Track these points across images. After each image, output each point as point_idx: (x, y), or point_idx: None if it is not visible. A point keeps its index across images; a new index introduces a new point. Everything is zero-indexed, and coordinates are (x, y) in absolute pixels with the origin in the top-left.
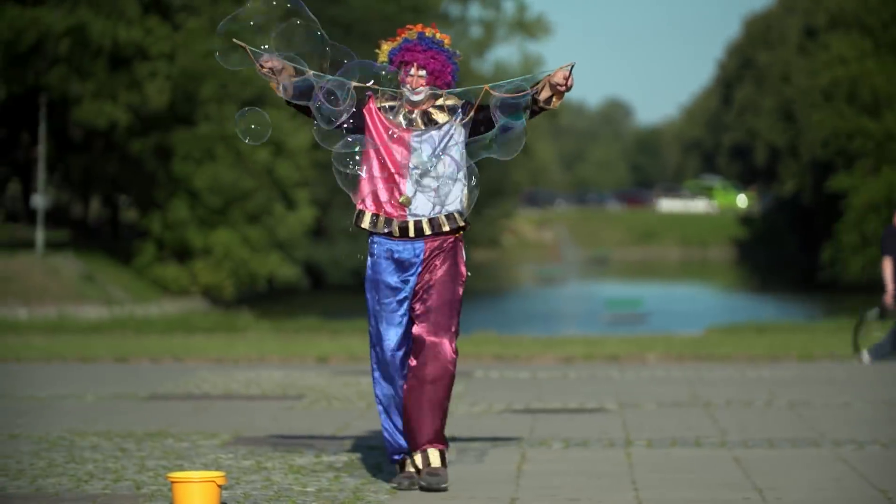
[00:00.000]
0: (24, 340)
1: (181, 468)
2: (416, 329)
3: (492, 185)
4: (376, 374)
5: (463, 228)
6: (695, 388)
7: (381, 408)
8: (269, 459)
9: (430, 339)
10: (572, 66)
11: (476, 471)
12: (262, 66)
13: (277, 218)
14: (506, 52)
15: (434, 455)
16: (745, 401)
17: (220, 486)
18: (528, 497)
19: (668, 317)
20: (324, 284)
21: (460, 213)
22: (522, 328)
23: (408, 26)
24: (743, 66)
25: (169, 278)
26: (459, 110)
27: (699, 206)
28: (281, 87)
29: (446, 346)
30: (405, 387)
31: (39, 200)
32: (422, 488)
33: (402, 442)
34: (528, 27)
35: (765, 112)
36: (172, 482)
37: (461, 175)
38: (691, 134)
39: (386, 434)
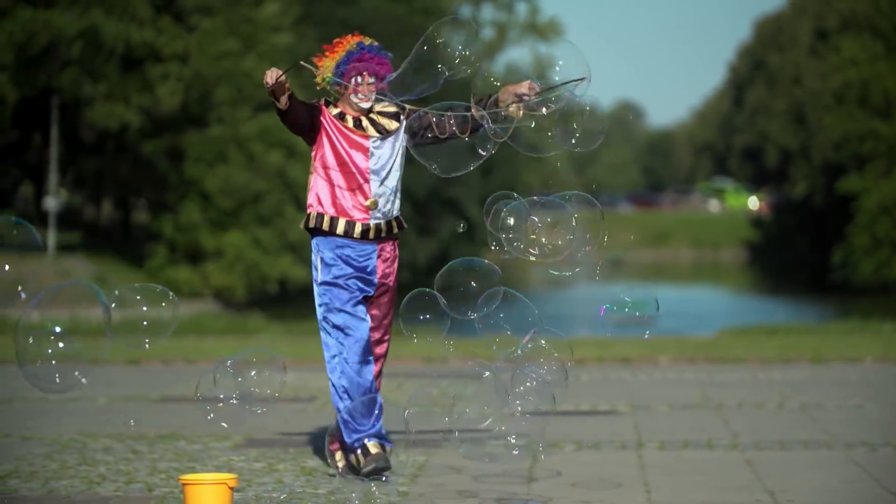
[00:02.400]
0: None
1: (193, 470)
2: (373, 334)
3: (503, 187)
4: (346, 363)
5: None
6: (706, 390)
7: (344, 395)
8: (280, 461)
9: (379, 343)
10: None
11: (488, 473)
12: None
13: (289, 220)
14: (517, 53)
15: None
16: (756, 403)
17: (231, 489)
18: (540, 499)
19: (679, 319)
20: None
21: (401, 224)
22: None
23: (338, 40)
24: (754, 68)
25: (181, 280)
26: (402, 115)
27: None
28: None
29: (385, 350)
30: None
31: (51, 202)
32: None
33: (367, 427)
34: (541, 29)
35: (776, 114)
36: (184, 484)
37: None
38: (703, 136)
39: (348, 420)
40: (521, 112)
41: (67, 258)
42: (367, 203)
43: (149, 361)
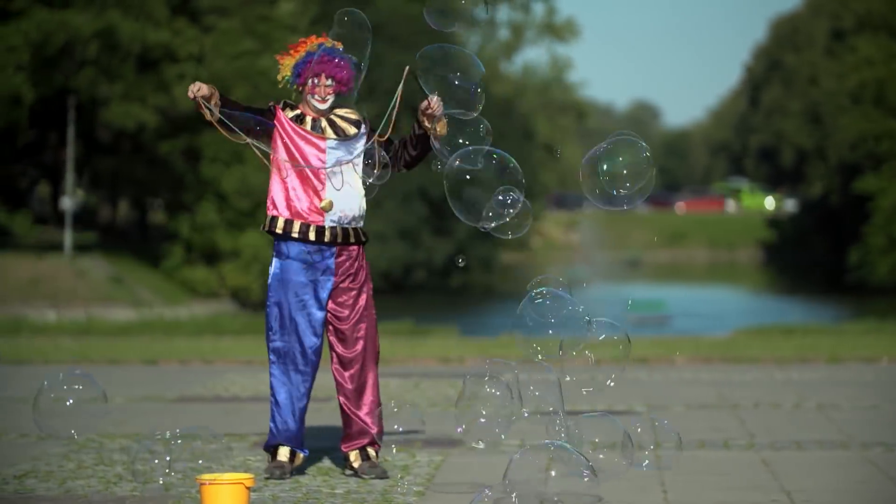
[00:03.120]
0: (52, 342)
1: (210, 470)
2: (339, 342)
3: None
4: (279, 367)
5: (366, 241)
6: (722, 390)
7: (274, 398)
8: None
9: (352, 350)
10: (412, 74)
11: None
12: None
13: None
14: (534, 54)
15: (373, 451)
16: (773, 403)
17: (248, 488)
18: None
19: (695, 319)
20: None
21: (364, 231)
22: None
23: (301, 41)
24: (770, 68)
25: (197, 280)
26: (363, 125)
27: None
28: (210, 111)
29: (369, 355)
30: (344, 390)
31: (68, 202)
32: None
33: (289, 433)
34: (557, 30)
35: (792, 114)
36: (201, 484)
37: (364, 191)
38: (719, 136)
39: (274, 421)
40: (444, 126)
41: (84, 258)
42: (322, 205)
43: (166, 361)
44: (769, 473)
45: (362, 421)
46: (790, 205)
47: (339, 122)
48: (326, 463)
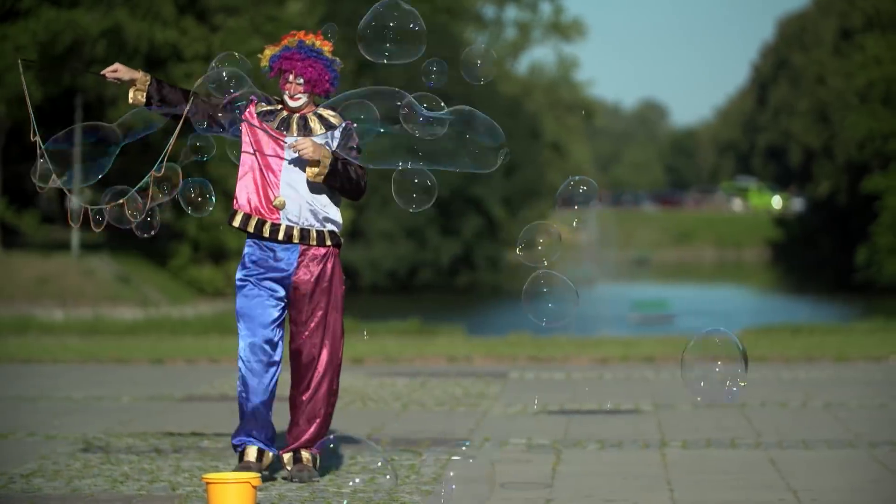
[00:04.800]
0: (60, 341)
1: (216, 469)
2: (294, 343)
3: (527, 187)
4: (246, 365)
5: (337, 245)
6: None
7: (241, 397)
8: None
9: (308, 353)
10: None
11: (511, 472)
12: (105, 76)
13: None
14: (541, 52)
15: (307, 454)
16: (780, 402)
17: (254, 487)
18: (564, 498)
19: (703, 318)
20: (359, 285)
21: (333, 234)
22: (556, 329)
23: (291, 33)
24: (778, 67)
25: (204, 280)
26: (339, 130)
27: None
28: (135, 97)
29: (324, 360)
30: (294, 391)
31: (75, 202)
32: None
33: (256, 433)
34: (564, 29)
35: (800, 113)
36: (207, 483)
37: (334, 193)
38: (726, 135)
39: (241, 422)
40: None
41: (91, 257)
42: (275, 202)
43: (173, 361)
44: (776, 472)
45: (302, 424)
46: (798, 204)
47: (313, 121)
48: (333, 461)
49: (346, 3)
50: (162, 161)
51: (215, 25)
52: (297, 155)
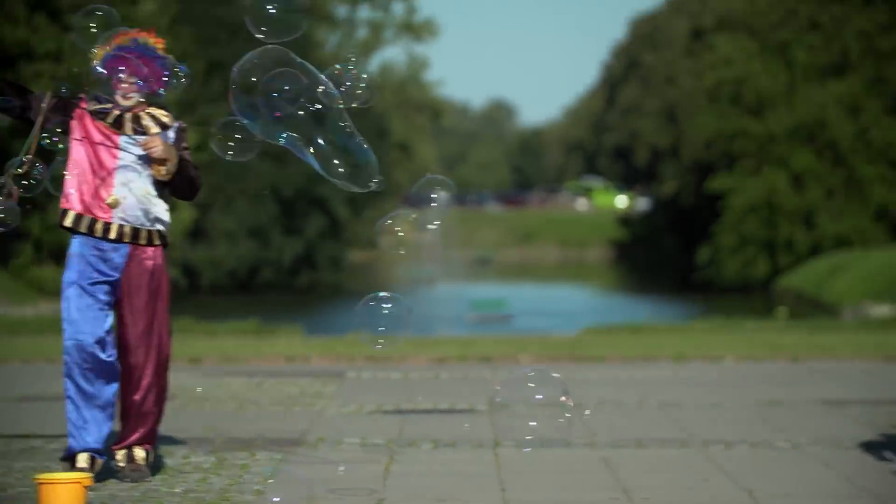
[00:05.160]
0: None
1: (48, 470)
2: (123, 342)
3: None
4: (74, 368)
5: (165, 245)
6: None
7: (70, 402)
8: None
9: (137, 351)
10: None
11: (343, 472)
12: None
13: None
14: (392, 52)
15: (141, 452)
16: (616, 401)
17: (86, 488)
18: (396, 498)
19: (543, 318)
20: (199, 285)
21: (161, 233)
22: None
23: (123, 32)
24: (629, 67)
25: (46, 279)
26: (172, 130)
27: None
28: None
29: (153, 358)
30: (125, 390)
31: None
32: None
33: (88, 438)
34: (416, 29)
35: (648, 113)
36: (39, 484)
37: (165, 192)
38: (574, 135)
39: (72, 427)
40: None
41: None
42: (108, 201)
43: (8, 361)
44: (609, 472)
45: (133, 422)
46: (643, 204)
47: (146, 119)
48: (167, 461)
49: (198, 3)
50: (26, 154)
51: (67, 25)
52: (143, 153)
